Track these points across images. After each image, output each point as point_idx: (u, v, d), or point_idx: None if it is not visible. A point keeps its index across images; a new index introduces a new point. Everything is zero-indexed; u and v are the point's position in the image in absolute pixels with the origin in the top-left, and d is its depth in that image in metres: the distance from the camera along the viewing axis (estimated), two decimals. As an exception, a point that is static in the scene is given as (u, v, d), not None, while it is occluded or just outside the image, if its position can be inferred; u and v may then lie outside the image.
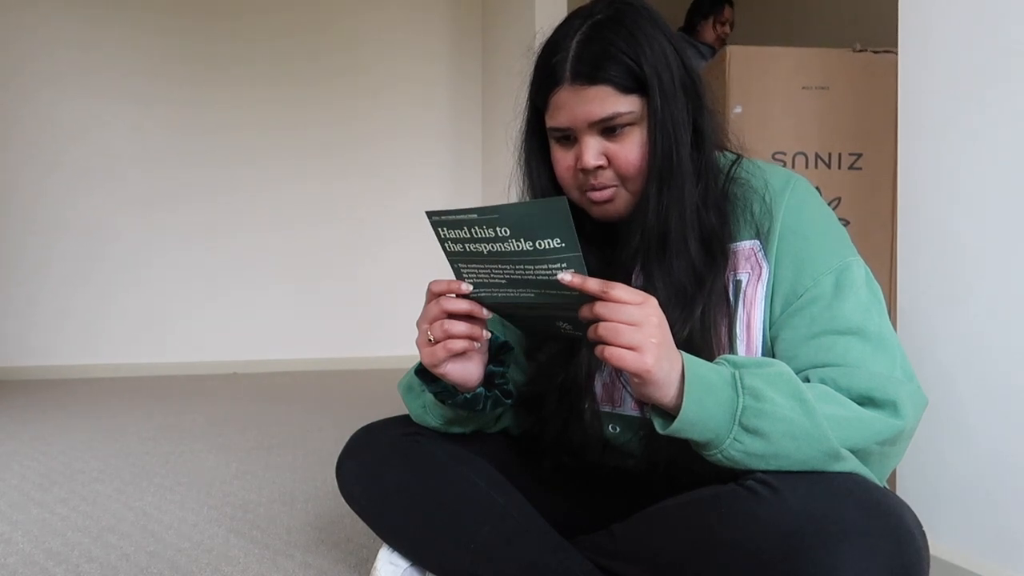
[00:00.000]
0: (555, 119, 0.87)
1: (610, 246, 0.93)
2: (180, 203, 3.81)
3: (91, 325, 3.69)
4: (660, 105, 0.83)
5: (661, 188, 0.84)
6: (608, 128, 0.84)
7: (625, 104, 0.83)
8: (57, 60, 3.65)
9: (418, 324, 0.85)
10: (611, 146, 0.85)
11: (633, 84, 0.83)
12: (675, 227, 0.84)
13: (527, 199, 0.95)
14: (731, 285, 0.86)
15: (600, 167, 0.86)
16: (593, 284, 0.71)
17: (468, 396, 0.89)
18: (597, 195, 0.87)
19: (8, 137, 3.59)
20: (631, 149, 0.85)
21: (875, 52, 1.86)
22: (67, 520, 1.45)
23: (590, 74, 0.83)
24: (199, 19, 3.83)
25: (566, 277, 0.71)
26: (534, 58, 0.90)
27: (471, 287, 0.80)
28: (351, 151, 4.07)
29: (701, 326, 0.84)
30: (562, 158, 0.89)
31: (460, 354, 0.83)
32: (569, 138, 0.88)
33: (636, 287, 0.86)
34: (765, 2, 4.08)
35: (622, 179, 0.87)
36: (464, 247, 0.77)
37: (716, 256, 0.86)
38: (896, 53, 1.87)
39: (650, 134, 0.84)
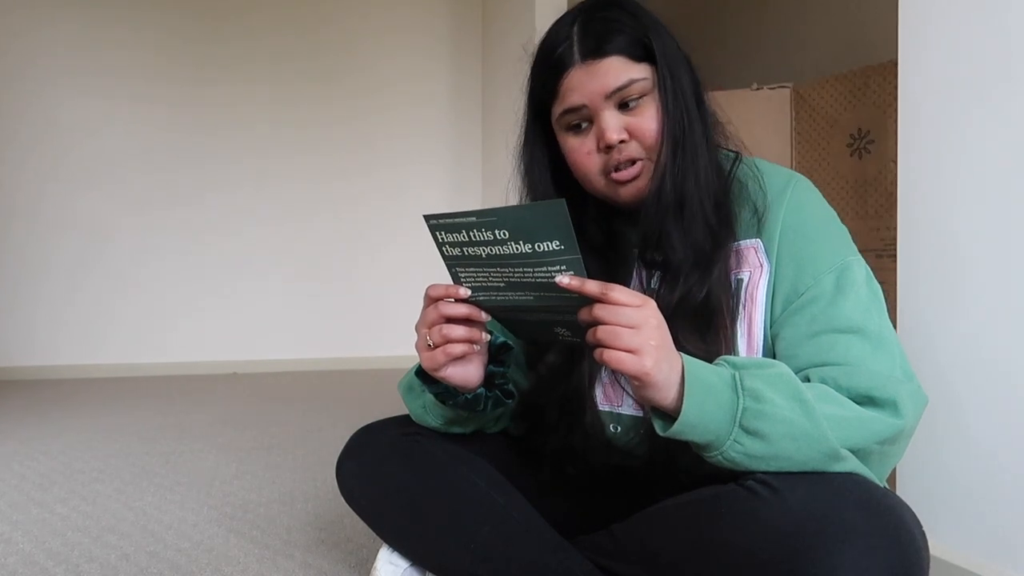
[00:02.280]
0: (568, 100, 0.86)
1: (612, 249, 0.93)
2: (180, 203, 3.81)
3: (91, 325, 3.69)
4: (669, 72, 0.85)
5: (675, 152, 0.85)
6: (624, 101, 0.85)
7: (638, 71, 0.84)
8: (58, 61, 3.65)
9: (417, 328, 0.84)
10: (630, 119, 0.85)
11: (642, 52, 0.85)
12: (691, 190, 0.85)
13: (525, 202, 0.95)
14: (733, 283, 0.86)
15: (623, 141, 0.85)
16: (592, 286, 0.71)
17: (469, 396, 0.89)
18: (624, 174, 0.87)
19: (10, 138, 3.59)
20: (650, 118, 0.85)
21: (771, 88, 2.03)
22: (67, 520, 1.45)
23: (599, 48, 0.84)
24: (199, 19, 3.83)
25: (564, 280, 0.71)
26: (530, 60, 0.90)
27: (469, 291, 0.80)
28: (351, 151, 4.07)
29: (719, 285, 0.84)
30: (579, 146, 0.88)
31: (460, 357, 0.83)
32: (582, 125, 0.87)
33: (650, 259, 0.87)
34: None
35: (647, 150, 0.86)
36: (462, 251, 0.76)
37: (725, 217, 0.87)
38: (789, 87, 2.04)
39: (663, 100, 0.85)
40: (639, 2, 0.88)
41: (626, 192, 0.89)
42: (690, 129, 0.86)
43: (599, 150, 0.87)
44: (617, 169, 0.87)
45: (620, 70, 0.84)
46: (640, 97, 0.85)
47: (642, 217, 0.88)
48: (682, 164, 0.85)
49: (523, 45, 0.95)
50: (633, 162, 0.87)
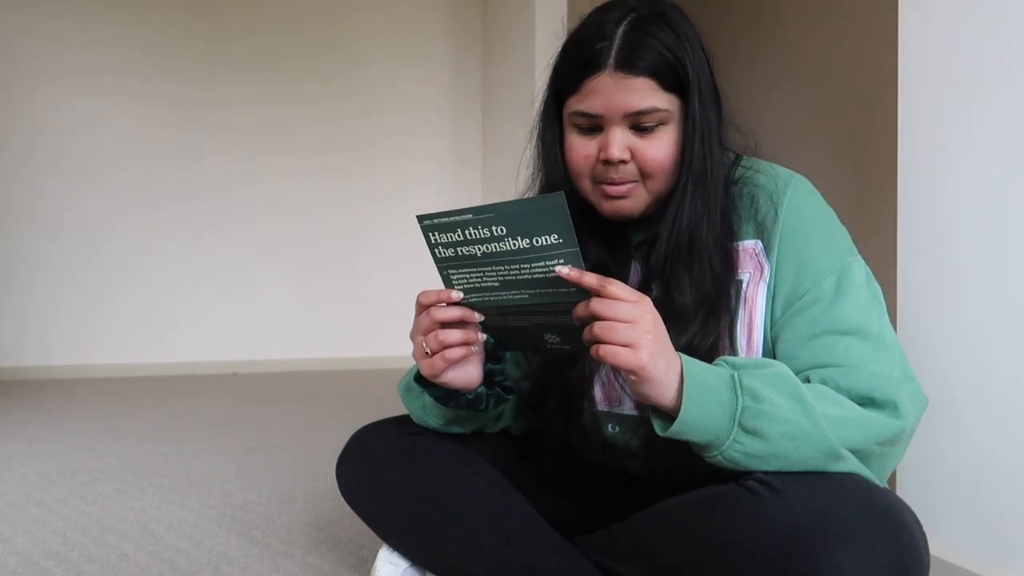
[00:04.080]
0: (587, 103, 0.84)
1: (609, 248, 0.93)
2: (180, 202, 3.81)
3: (91, 325, 3.68)
4: (699, 109, 0.83)
5: (695, 194, 0.84)
6: (640, 124, 0.83)
7: (663, 101, 0.83)
8: (54, 59, 3.64)
9: (412, 337, 0.84)
10: (639, 142, 0.84)
11: (675, 83, 0.83)
12: (704, 235, 0.84)
13: (528, 193, 0.95)
14: (732, 285, 0.86)
15: (623, 161, 0.84)
16: (590, 279, 0.71)
17: (471, 397, 0.89)
18: (613, 189, 0.86)
19: (5, 136, 3.59)
20: (659, 147, 0.84)
21: None
22: (67, 520, 1.45)
23: (635, 65, 0.81)
24: (197, 18, 3.83)
25: (564, 270, 0.71)
26: (563, 42, 0.89)
27: (461, 294, 0.79)
28: (351, 150, 4.07)
29: (727, 336, 0.84)
30: (580, 146, 0.87)
31: (458, 360, 0.83)
32: (593, 128, 0.86)
33: (656, 295, 0.86)
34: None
35: (644, 176, 0.86)
36: (456, 251, 0.76)
37: (729, 264, 0.86)
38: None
39: (686, 137, 0.84)
40: (690, 24, 0.85)
41: (610, 207, 0.88)
42: (712, 172, 0.85)
43: (597, 158, 0.86)
44: (609, 182, 0.86)
45: (646, 94, 0.82)
46: (656, 125, 0.84)
47: (653, 254, 0.87)
48: (700, 207, 0.84)
49: (561, 18, 0.93)
50: (627, 182, 0.86)
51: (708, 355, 0.81)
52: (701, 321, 0.83)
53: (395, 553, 0.98)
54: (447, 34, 4.26)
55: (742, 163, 0.91)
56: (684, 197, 0.84)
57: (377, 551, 1.01)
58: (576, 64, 0.85)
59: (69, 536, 1.36)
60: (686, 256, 0.85)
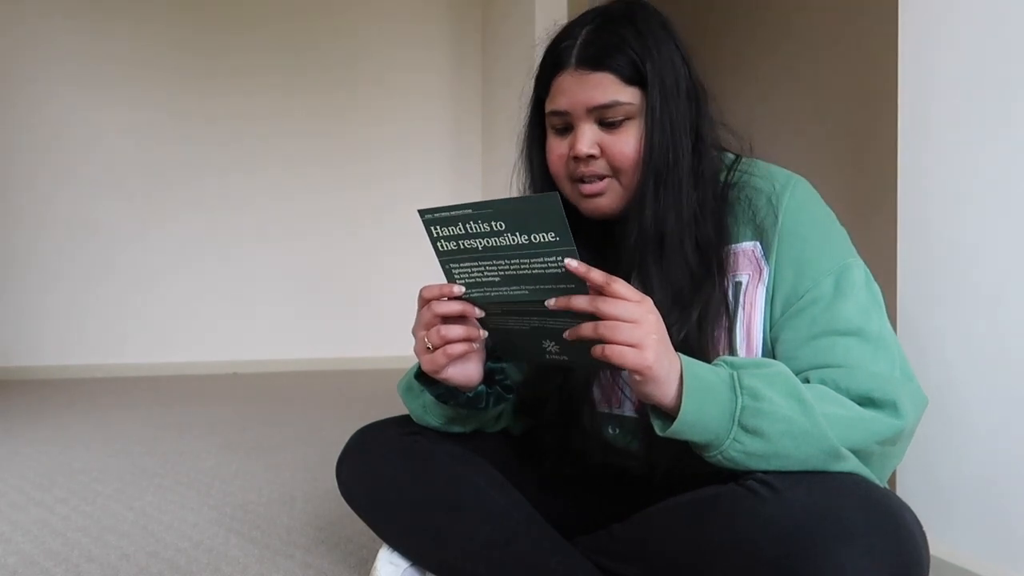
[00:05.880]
0: (555, 102, 0.87)
1: (610, 247, 0.93)
2: (184, 207, 3.83)
3: (92, 326, 3.69)
4: (660, 103, 0.84)
5: (658, 187, 0.84)
6: (606, 119, 0.85)
7: (626, 94, 0.84)
8: (67, 70, 3.68)
9: (414, 332, 0.84)
10: (607, 137, 0.85)
11: (636, 77, 0.84)
12: (672, 228, 0.84)
13: (526, 193, 0.95)
14: (731, 287, 0.86)
15: (592, 156, 0.85)
16: (597, 275, 0.71)
17: (470, 395, 0.89)
18: (588, 188, 0.87)
19: (20, 144, 3.62)
20: (627, 141, 0.85)
21: None
22: (67, 520, 1.45)
23: (595, 60, 0.83)
24: (204, 31, 3.87)
25: (572, 263, 0.71)
26: (546, 43, 0.91)
27: (463, 288, 0.80)
28: (352, 156, 4.09)
29: (698, 331, 0.83)
30: (556, 146, 0.89)
31: (460, 356, 0.83)
32: (566, 127, 0.88)
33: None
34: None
35: (615, 171, 0.86)
36: (458, 244, 0.76)
37: (711, 264, 0.85)
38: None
39: (647, 130, 0.84)
40: (660, 22, 0.86)
41: (587, 205, 0.89)
42: (675, 164, 0.84)
43: (570, 157, 0.87)
44: (583, 181, 0.87)
45: (607, 89, 0.83)
46: (623, 119, 0.85)
47: (622, 249, 0.87)
48: (664, 199, 0.84)
49: (529, 52, 0.95)
50: (601, 179, 0.87)
51: (681, 349, 0.80)
52: (675, 316, 0.83)
53: (395, 553, 0.98)
54: (447, 41, 4.27)
55: (742, 163, 0.91)
56: (646, 191, 0.85)
57: (377, 551, 1.01)
58: (546, 66, 0.88)
59: (69, 536, 1.36)
60: (656, 250, 0.85)
